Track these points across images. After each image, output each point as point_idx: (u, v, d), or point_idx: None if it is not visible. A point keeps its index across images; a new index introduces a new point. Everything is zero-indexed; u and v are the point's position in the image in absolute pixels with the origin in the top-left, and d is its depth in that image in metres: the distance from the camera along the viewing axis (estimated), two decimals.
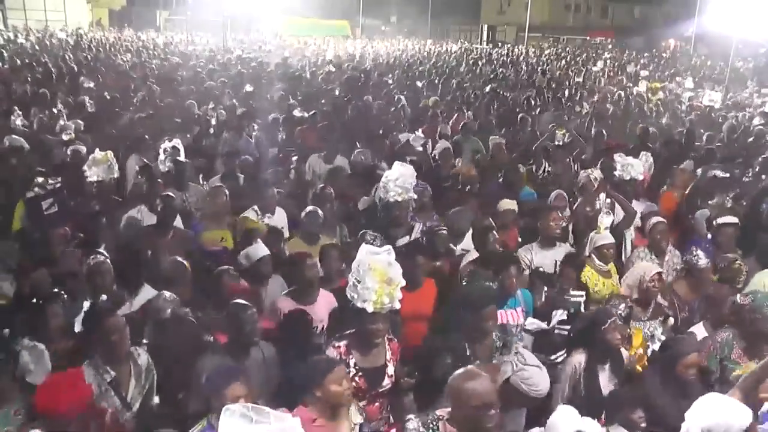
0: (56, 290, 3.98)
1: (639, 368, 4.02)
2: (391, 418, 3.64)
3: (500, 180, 7.01)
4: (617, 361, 3.90)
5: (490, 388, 2.75)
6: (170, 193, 5.64)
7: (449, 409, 2.86)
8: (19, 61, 15.98)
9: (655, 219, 5.57)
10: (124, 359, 3.50)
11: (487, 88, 14.70)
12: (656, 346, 4.13)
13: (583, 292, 4.77)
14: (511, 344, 3.83)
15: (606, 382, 3.84)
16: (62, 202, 5.47)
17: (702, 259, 4.87)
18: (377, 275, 3.39)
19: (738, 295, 4.25)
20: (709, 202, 6.22)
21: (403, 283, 3.52)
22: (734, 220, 5.59)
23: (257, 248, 4.70)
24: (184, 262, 4.53)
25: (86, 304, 3.99)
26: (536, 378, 3.35)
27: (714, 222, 5.69)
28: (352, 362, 3.50)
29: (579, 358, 3.85)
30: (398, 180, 5.59)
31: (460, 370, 2.83)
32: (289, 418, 2.27)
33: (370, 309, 3.40)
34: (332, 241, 5.45)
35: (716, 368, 3.99)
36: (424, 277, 4.72)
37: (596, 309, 3.99)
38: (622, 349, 4.02)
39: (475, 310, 3.86)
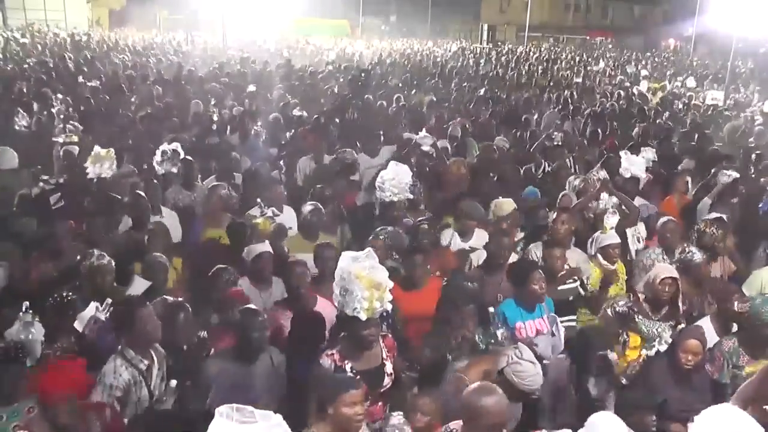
0: (71, 294, 3.94)
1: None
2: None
3: (495, 179, 6.98)
4: (603, 370, 3.87)
5: (504, 408, 2.75)
6: (140, 192, 5.60)
7: (461, 423, 2.87)
8: (18, 60, 15.99)
9: (664, 218, 5.57)
10: (153, 347, 3.57)
11: (482, 91, 14.67)
12: (662, 347, 4.10)
13: (576, 278, 4.79)
14: (498, 344, 3.81)
15: (592, 386, 3.82)
16: (68, 197, 5.48)
17: (696, 255, 4.89)
18: (364, 282, 3.36)
19: (735, 303, 4.26)
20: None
21: (391, 284, 3.48)
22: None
23: (259, 246, 4.69)
24: (164, 259, 4.55)
25: (93, 304, 3.98)
26: (529, 373, 3.37)
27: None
28: (348, 367, 3.49)
29: (565, 363, 3.86)
30: (394, 180, 5.58)
31: (476, 385, 2.80)
32: (273, 416, 2.27)
33: (363, 317, 3.37)
34: (332, 239, 5.44)
35: (728, 380, 3.97)
36: (431, 276, 4.68)
37: (596, 330, 3.94)
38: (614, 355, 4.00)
39: (455, 310, 3.85)
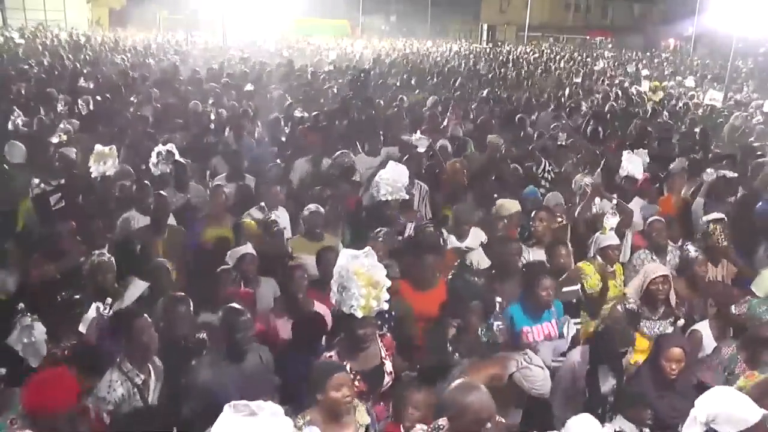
0: (76, 295, 3.96)
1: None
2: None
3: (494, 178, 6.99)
4: (617, 363, 3.90)
5: (487, 402, 2.76)
6: (162, 193, 5.62)
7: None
8: (17, 61, 15.99)
9: (651, 218, 5.57)
10: (150, 360, 3.54)
11: (485, 92, 14.67)
12: None
13: (578, 283, 4.79)
14: (490, 340, 3.81)
15: (603, 381, 3.85)
16: (68, 197, 5.48)
17: (691, 252, 4.88)
18: (362, 279, 3.36)
19: (731, 306, 4.26)
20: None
21: (389, 283, 3.49)
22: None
23: (240, 248, 4.71)
24: (167, 263, 4.54)
25: (95, 305, 4.00)
26: (538, 377, 3.41)
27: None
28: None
29: (577, 357, 3.86)
30: (389, 179, 5.59)
31: (458, 382, 2.82)
32: (269, 405, 2.29)
33: (359, 314, 3.37)
34: (336, 240, 5.45)
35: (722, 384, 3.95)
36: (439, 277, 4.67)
37: (616, 328, 3.95)
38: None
39: (461, 306, 3.87)
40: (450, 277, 4.60)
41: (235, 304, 3.80)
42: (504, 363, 3.46)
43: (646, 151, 7.60)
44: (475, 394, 2.75)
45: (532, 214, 5.39)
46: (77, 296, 3.92)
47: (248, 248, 4.73)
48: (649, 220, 5.56)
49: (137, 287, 4.27)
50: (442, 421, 2.88)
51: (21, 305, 3.47)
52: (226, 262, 4.70)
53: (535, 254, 5.15)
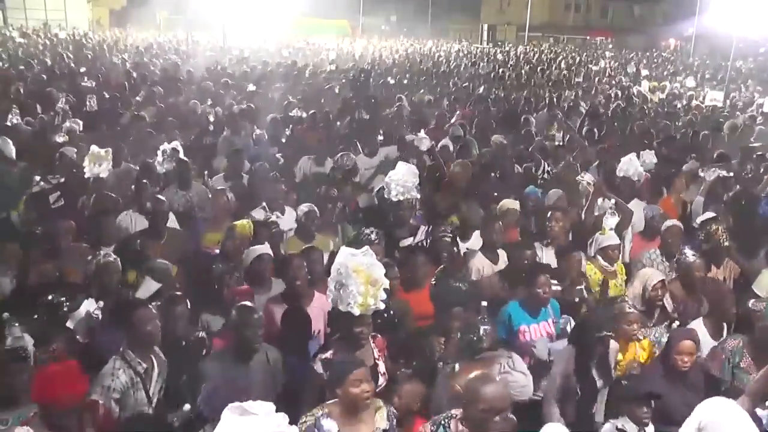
0: (59, 297, 3.93)
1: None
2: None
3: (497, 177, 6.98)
4: (604, 360, 3.90)
5: (501, 394, 2.82)
6: (160, 197, 5.57)
7: (461, 410, 2.92)
8: (17, 60, 16.00)
9: (669, 222, 5.53)
10: (153, 351, 3.56)
11: (481, 89, 14.67)
12: None
13: (582, 281, 4.78)
14: (476, 346, 3.78)
15: (596, 375, 3.85)
16: (67, 196, 5.46)
17: (689, 256, 4.89)
18: (361, 277, 3.37)
19: (751, 301, 4.26)
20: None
21: (387, 282, 3.50)
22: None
23: (258, 247, 4.69)
24: (167, 263, 4.53)
25: (86, 303, 3.98)
26: (520, 383, 3.45)
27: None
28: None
29: (561, 367, 3.87)
30: (400, 180, 5.58)
31: (477, 373, 2.87)
32: (258, 404, 2.30)
33: (356, 312, 3.38)
34: (331, 240, 5.44)
35: (729, 377, 3.95)
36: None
37: (599, 315, 3.96)
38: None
39: (442, 310, 3.88)
40: (433, 281, 4.58)
41: (246, 303, 3.81)
42: (488, 365, 3.47)
43: (653, 152, 7.60)
44: (492, 385, 2.85)
45: (548, 214, 5.39)
46: (61, 297, 3.90)
47: (266, 248, 4.69)
48: (667, 224, 5.50)
49: (149, 288, 4.25)
50: (455, 411, 2.93)
51: (5, 315, 3.47)
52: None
53: (550, 254, 5.15)
